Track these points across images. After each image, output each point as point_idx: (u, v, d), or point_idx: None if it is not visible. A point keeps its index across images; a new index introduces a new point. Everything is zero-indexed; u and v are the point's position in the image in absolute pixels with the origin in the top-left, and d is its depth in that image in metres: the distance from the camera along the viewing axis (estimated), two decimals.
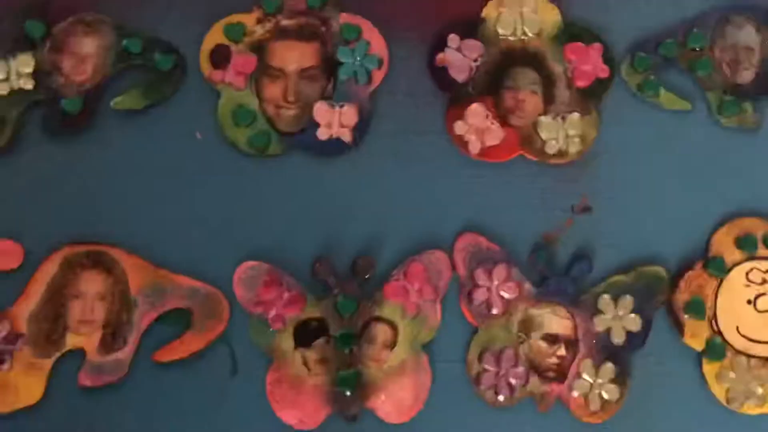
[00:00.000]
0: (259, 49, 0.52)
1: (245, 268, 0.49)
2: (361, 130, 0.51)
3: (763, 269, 0.50)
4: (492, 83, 0.52)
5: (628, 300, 0.49)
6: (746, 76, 0.53)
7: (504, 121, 0.52)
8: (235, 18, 0.52)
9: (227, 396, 0.48)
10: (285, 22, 0.53)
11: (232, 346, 0.48)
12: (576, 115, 0.52)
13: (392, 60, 0.52)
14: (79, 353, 0.47)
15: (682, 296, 0.49)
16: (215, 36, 0.52)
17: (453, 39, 0.53)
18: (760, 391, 0.48)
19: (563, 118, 0.52)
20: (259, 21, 0.52)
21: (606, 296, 0.49)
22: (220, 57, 0.52)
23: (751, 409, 0.48)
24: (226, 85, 0.51)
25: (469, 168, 0.51)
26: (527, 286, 0.50)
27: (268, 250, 0.50)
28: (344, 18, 0.53)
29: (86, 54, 0.52)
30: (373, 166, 0.51)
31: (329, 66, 0.52)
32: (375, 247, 0.50)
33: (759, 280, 0.50)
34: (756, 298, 0.50)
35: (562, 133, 0.51)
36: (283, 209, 0.50)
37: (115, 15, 0.52)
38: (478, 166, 0.51)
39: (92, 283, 0.49)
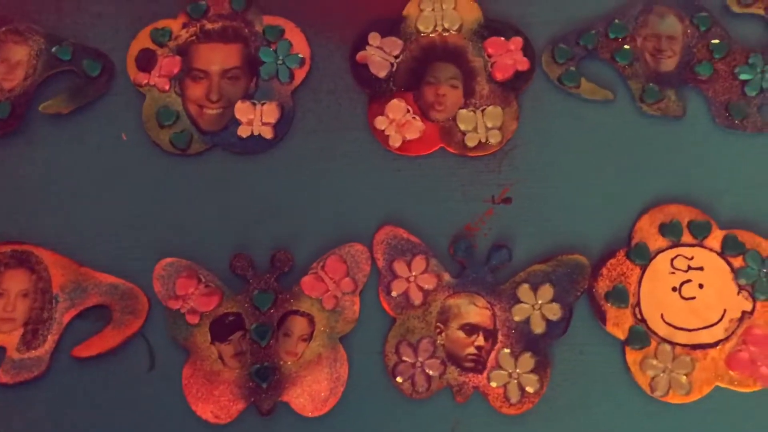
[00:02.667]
0: (184, 51, 0.53)
1: (164, 264, 0.49)
2: (282, 127, 0.52)
3: (688, 256, 0.49)
4: (413, 79, 0.53)
5: (547, 288, 0.48)
6: (669, 64, 0.53)
7: (425, 116, 0.52)
8: (161, 23, 0.54)
9: (145, 391, 0.48)
10: (209, 26, 0.54)
11: (150, 342, 0.49)
12: (495, 108, 0.52)
13: (314, 59, 0.53)
14: None
15: (604, 284, 0.48)
16: (142, 41, 0.54)
17: (374, 37, 0.53)
18: (684, 379, 0.47)
19: (483, 111, 0.52)
20: (184, 25, 0.54)
21: (525, 285, 0.48)
22: (146, 61, 0.53)
23: (675, 398, 0.47)
24: (151, 87, 0.53)
25: (390, 162, 0.52)
26: (446, 276, 0.49)
27: (189, 247, 0.50)
28: (267, 20, 0.54)
29: (17, 61, 0.53)
30: (294, 163, 0.52)
31: (252, 66, 0.53)
32: (295, 241, 0.50)
33: (684, 267, 0.49)
34: (681, 285, 0.48)
35: (481, 125, 0.52)
36: (205, 206, 0.51)
37: (47, 24, 0.54)
38: (399, 160, 0.52)
39: (15, 282, 0.49)
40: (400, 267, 0.49)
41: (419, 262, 0.49)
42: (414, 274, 0.49)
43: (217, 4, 0.54)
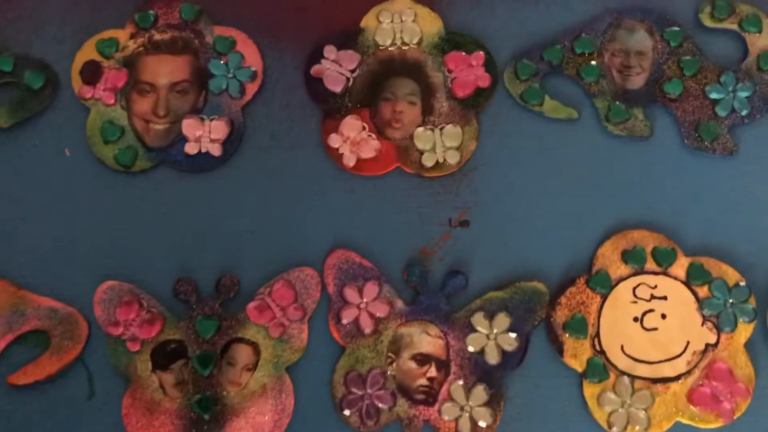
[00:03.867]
0: (131, 63, 0.51)
1: (105, 288, 0.47)
2: (232, 144, 0.50)
3: (651, 285, 0.47)
4: (369, 94, 0.50)
5: (503, 317, 0.46)
6: (637, 81, 0.50)
7: (381, 133, 0.50)
8: (108, 33, 0.52)
9: (83, 420, 0.46)
10: (158, 37, 0.52)
11: (90, 369, 0.47)
12: (455, 126, 0.50)
13: (267, 72, 0.51)
14: None
15: (562, 313, 0.46)
16: (87, 52, 0.51)
17: (329, 50, 0.51)
18: (643, 414, 0.45)
19: (441, 129, 0.50)
20: (132, 36, 0.51)
21: (480, 313, 0.46)
22: (91, 73, 0.51)
23: None
24: (96, 100, 0.50)
25: (343, 182, 0.49)
26: (399, 303, 0.47)
27: (131, 269, 0.48)
28: (218, 30, 0.51)
29: None
30: (243, 181, 0.49)
31: (201, 79, 0.51)
32: (242, 264, 0.48)
33: (647, 296, 0.47)
34: (643, 315, 0.46)
35: (439, 144, 0.50)
36: (150, 226, 0.49)
37: None
38: (353, 180, 0.49)
39: None
40: (351, 293, 0.47)
41: (371, 288, 0.47)
42: (365, 300, 0.47)
43: (166, 14, 0.52)
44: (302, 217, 0.49)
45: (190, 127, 0.49)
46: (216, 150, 0.50)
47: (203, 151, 0.49)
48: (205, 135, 0.49)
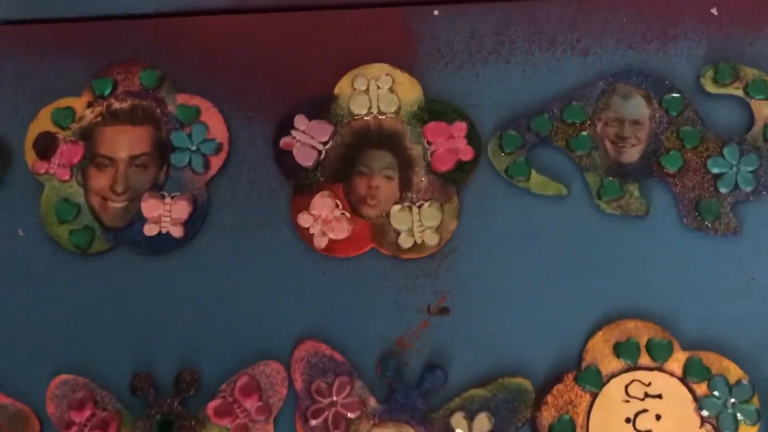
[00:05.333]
0: (88, 135, 0.47)
1: (58, 383, 0.44)
2: (194, 223, 0.46)
3: (645, 382, 0.43)
4: (343, 168, 0.47)
5: (485, 419, 0.43)
6: (632, 154, 0.47)
7: (355, 211, 0.46)
8: (64, 102, 0.48)
9: None
10: (116, 105, 0.48)
11: None
12: (433, 204, 0.46)
13: (233, 144, 0.48)
14: None
15: (548, 414, 0.43)
16: (42, 122, 0.48)
17: (300, 120, 0.47)
18: None
19: (419, 207, 0.46)
20: (89, 104, 0.48)
21: (460, 414, 0.43)
22: (46, 146, 0.47)
23: None
24: (51, 176, 0.47)
25: (314, 264, 0.46)
26: (372, 401, 0.44)
27: (87, 361, 0.45)
28: (181, 99, 0.48)
29: None
30: (206, 264, 0.46)
31: (163, 152, 0.47)
32: (204, 356, 0.45)
33: (640, 395, 0.43)
34: (636, 415, 0.43)
35: (417, 224, 0.46)
36: (106, 313, 0.46)
37: None
38: (325, 262, 0.46)
39: None
40: (320, 390, 0.44)
41: (342, 385, 0.44)
42: (336, 398, 0.44)
43: (125, 80, 0.49)
44: (269, 304, 0.45)
45: (149, 207, 0.46)
46: (177, 231, 0.46)
47: (163, 232, 0.46)
48: (165, 215, 0.46)
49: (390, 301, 0.45)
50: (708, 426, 0.42)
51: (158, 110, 0.48)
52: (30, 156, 0.47)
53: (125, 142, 0.47)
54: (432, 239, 0.46)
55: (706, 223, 0.45)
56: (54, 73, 0.49)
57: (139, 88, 0.48)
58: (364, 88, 0.48)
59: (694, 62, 0.48)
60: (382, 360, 0.44)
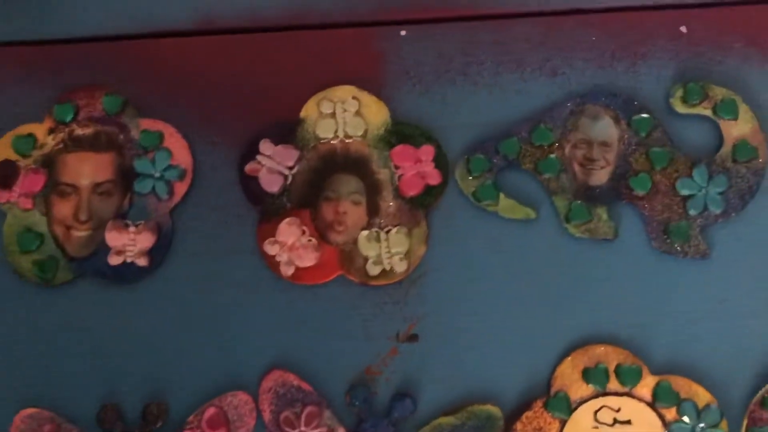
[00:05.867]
0: (50, 162, 0.47)
1: (24, 417, 0.43)
2: (159, 252, 0.46)
3: (615, 407, 0.43)
4: (310, 193, 0.46)
5: None
6: (601, 176, 0.46)
7: (323, 237, 0.46)
8: (24, 128, 0.47)
9: None
10: (79, 131, 0.47)
11: None
12: (401, 230, 0.45)
13: (198, 170, 0.47)
14: None
15: None
16: (2, 150, 0.47)
17: (265, 145, 0.47)
18: None
19: (387, 233, 0.46)
20: (51, 131, 0.47)
21: None
22: (7, 175, 0.46)
23: None
24: (12, 205, 0.46)
25: (281, 292, 0.45)
26: (341, 431, 0.44)
27: (52, 393, 0.44)
28: (144, 124, 0.47)
29: None
30: (173, 293, 0.45)
31: (126, 179, 0.47)
32: (171, 387, 0.44)
33: (609, 421, 0.43)
34: None
35: (385, 250, 0.46)
36: (72, 345, 0.45)
37: None
38: (293, 290, 0.45)
39: None
40: (288, 421, 0.43)
41: (311, 415, 0.43)
42: (304, 429, 0.43)
43: (88, 106, 0.48)
44: (236, 333, 0.45)
45: (113, 237, 0.45)
46: (142, 260, 0.45)
47: (128, 261, 0.46)
48: (129, 244, 0.45)
49: (358, 329, 0.45)
50: None
51: (121, 136, 0.47)
52: None
53: (88, 170, 0.47)
54: (400, 266, 0.45)
55: (676, 246, 0.45)
56: (14, 99, 0.48)
57: (101, 114, 0.47)
58: (331, 111, 0.47)
59: (664, 81, 0.48)
60: (351, 389, 0.44)
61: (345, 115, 0.47)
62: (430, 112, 0.47)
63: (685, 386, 0.43)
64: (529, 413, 0.43)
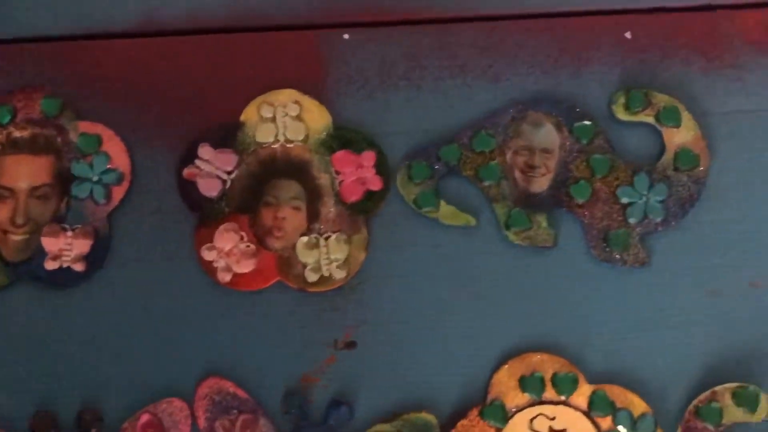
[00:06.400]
0: None
1: None
2: (96, 256, 0.45)
3: (550, 416, 0.43)
4: (249, 198, 0.46)
5: None
6: (541, 183, 0.46)
7: (261, 243, 0.45)
8: None
9: None
10: (16, 134, 0.47)
11: None
12: (341, 237, 0.45)
13: (136, 174, 0.46)
14: None
15: None
16: None
17: (204, 149, 0.46)
18: None
19: (327, 239, 0.46)
20: None
21: None
22: None
23: None
24: None
25: (218, 298, 0.45)
26: None
27: None
28: (83, 126, 0.47)
29: None
30: (110, 299, 0.45)
31: (64, 183, 0.46)
32: (106, 393, 0.44)
33: (545, 430, 0.43)
34: None
35: (324, 257, 0.45)
36: (6, 350, 0.44)
37: None
38: (230, 296, 0.45)
39: None
40: (223, 428, 0.43)
41: (246, 422, 0.43)
42: None
43: (26, 108, 0.47)
44: (173, 339, 0.44)
45: (50, 242, 0.45)
46: (79, 265, 0.45)
47: (64, 266, 0.45)
48: (66, 249, 0.45)
49: (296, 336, 0.45)
50: None
51: (59, 139, 0.47)
52: None
53: (25, 173, 0.46)
54: (339, 273, 0.45)
55: (615, 254, 0.45)
56: None
57: (40, 116, 0.47)
58: (271, 115, 0.46)
59: (608, 87, 0.48)
60: (287, 396, 0.44)
61: (286, 119, 0.47)
62: (373, 118, 0.47)
63: (620, 395, 0.43)
64: (464, 421, 0.43)
